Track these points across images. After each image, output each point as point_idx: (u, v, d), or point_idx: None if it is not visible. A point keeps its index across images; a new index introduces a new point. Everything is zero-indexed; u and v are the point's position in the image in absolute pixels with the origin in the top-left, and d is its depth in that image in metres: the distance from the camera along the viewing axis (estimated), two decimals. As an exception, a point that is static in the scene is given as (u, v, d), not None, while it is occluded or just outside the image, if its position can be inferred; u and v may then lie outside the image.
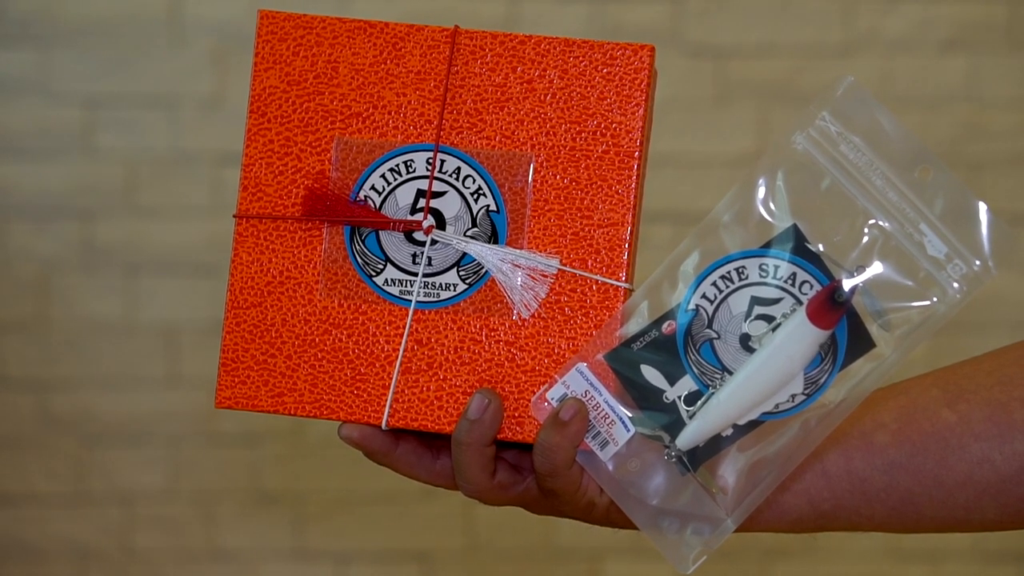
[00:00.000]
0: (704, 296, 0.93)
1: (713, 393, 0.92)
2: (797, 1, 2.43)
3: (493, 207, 0.98)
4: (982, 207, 0.91)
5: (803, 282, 0.92)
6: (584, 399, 0.93)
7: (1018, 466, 0.97)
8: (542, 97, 0.98)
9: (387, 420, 0.98)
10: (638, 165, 0.97)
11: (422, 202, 0.99)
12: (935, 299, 0.91)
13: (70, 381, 2.44)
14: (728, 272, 0.93)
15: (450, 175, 0.99)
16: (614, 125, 0.97)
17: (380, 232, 0.99)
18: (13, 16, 2.42)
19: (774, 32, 2.43)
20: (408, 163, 0.99)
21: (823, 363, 0.92)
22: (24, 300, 2.44)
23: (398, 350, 0.98)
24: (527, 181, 0.98)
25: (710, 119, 2.41)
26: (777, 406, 0.91)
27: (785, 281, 0.92)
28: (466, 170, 0.98)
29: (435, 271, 0.98)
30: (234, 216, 1.01)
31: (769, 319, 0.92)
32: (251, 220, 1.01)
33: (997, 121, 2.43)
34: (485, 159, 0.98)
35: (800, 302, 0.91)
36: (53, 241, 2.43)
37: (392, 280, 0.99)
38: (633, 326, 0.93)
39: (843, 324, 0.91)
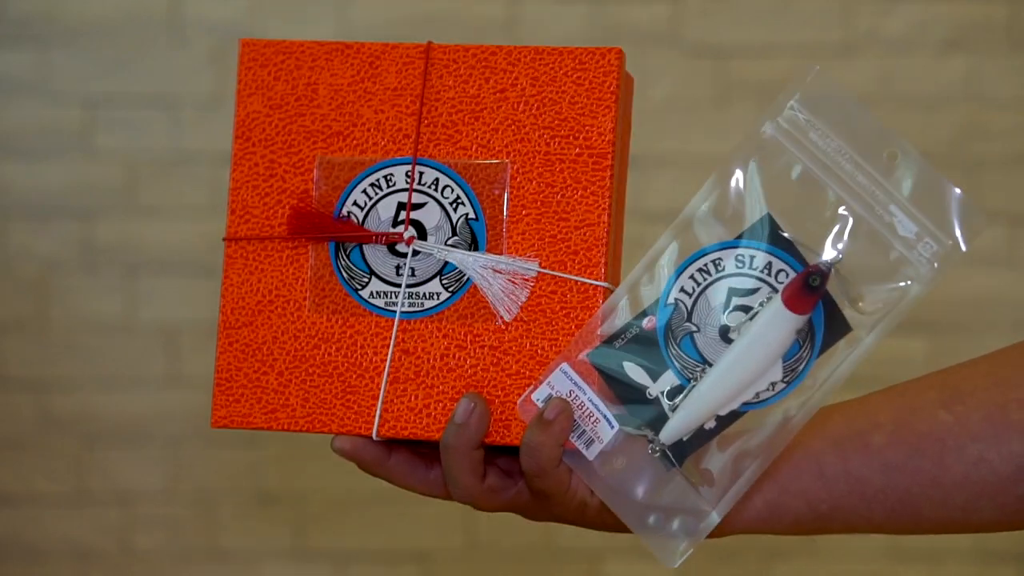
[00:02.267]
0: (683, 290, 0.94)
1: (694, 385, 0.93)
2: (797, 1, 2.43)
3: (472, 215, 1.00)
4: (950, 186, 0.92)
5: (779, 271, 0.93)
6: (568, 399, 0.94)
7: (1015, 467, 0.97)
8: (515, 105, 1.00)
9: (377, 430, 0.99)
10: (611, 166, 0.99)
11: (403, 215, 1.00)
12: (908, 279, 0.92)
13: (70, 381, 2.44)
14: (705, 265, 0.94)
15: (429, 186, 1.00)
16: (586, 128, 0.99)
17: (364, 246, 1.01)
18: (13, 16, 2.42)
19: (774, 32, 2.43)
20: (388, 177, 1.01)
21: (801, 350, 0.93)
22: (24, 300, 2.44)
23: (385, 361, 1.00)
24: (504, 188, 0.99)
25: (710, 119, 2.41)
26: (758, 395, 0.92)
27: (761, 271, 0.93)
28: (444, 180, 1.00)
29: (418, 281, 1.00)
30: (223, 240, 1.04)
31: (747, 309, 0.93)
32: (240, 242, 1.04)
33: (997, 121, 2.43)
34: (462, 169, 1.00)
35: (776, 291, 0.92)
36: (53, 241, 2.43)
37: (377, 292, 1.01)
38: (614, 324, 0.95)
39: (819, 310, 0.92)
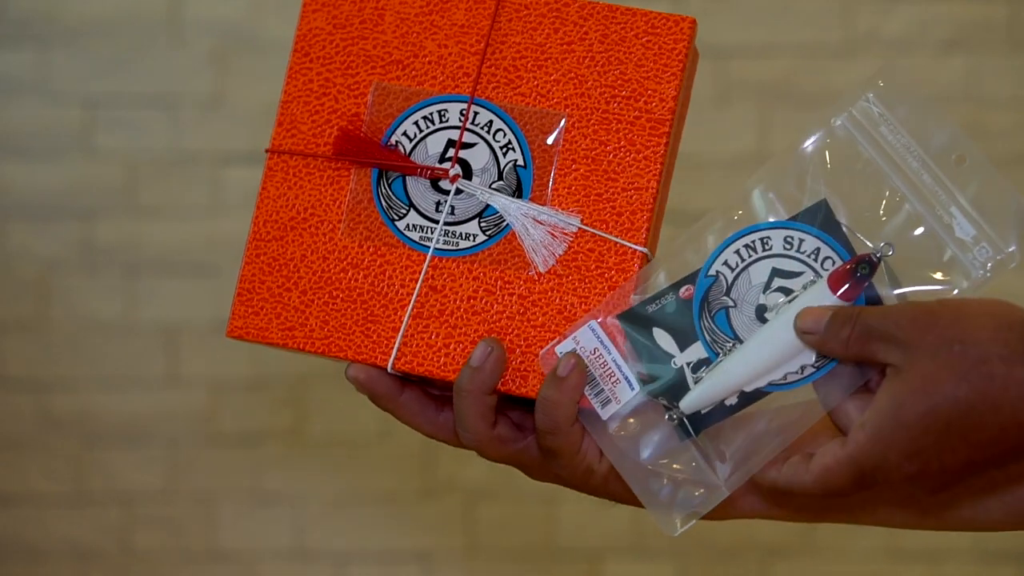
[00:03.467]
0: (726, 263, 0.93)
1: (722, 359, 0.92)
2: (797, 1, 2.43)
3: (520, 162, 0.99)
4: (1016, 195, 0.92)
5: (826, 258, 0.92)
6: (592, 356, 0.94)
7: None
8: (580, 59, 0.99)
9: (393, 362, 0.99)
10: (668, 133, 0.98)
11: (451, 152, 0.99)
12: (958, 282, 0.91)
13: (70, 381, 2.44)
14: (752, 241, 0.93)
15: (482, 127, 0.99)
16: (648, 92, 0.98)
17: (407, 177, 1.00)
18: (13, 16, 2.42)
19: (774, 32, 2.43)
20: (442, 112, 1.00)
21: None
22: (24, 300, 2.44)
23: (411, 294, 0.99)
24: (557, 139, 0.98)
25: (710, 119, 2.41)
26: (786, 377, 0.92)
27: (808, 255, 0.92)
28: (498, 124, 0.99)
29: (457, 220, 0.99)
30: (266, 151, 1.03)
31: (787, 292, 0.92)
32: (282, 155, 1.03)
33: (997, 121, 2.43)
34: (518, 114, 0.99)
35: (820, 277, 0.92)
36: (53, 241, 2.43)
37: (414, 225, 1.00)
38: (649, 288, 0.94)
39: (861, 302, 0.91)
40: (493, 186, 0.99)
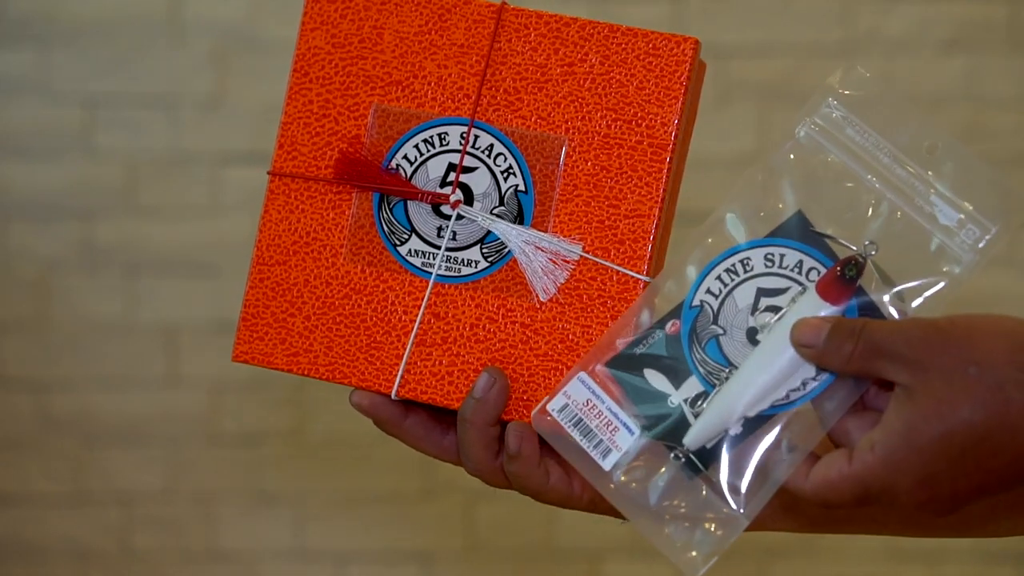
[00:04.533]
0: (708, 291, 0.91)
1: (720, 388, 0.90)
2: (797, 1, 2.43)
3: (522, 187, 0.98)
4: (992, 170, 0.90)
5: (810, 269, 0.90)
6: (586, 408, 0.92)
7: None
8: (581, 81, 0.97)
9: (397, 390, 0.98)
10: (670, 159, 0.96)
11: (452, 176, 0.98)
12: (951, 268, 0.89)
13: (70, 381, 2.44)
14: (733, 265, 0.91)
15: (482, 151, 0.98)
16: (650, 116, 0.97)
17: (408, 202, 0.99)
18: (13, 16, 2.42)
19: (774, 32, 2.43)
20: (442, 135, 0.99)
21: None
22: (24, 300, 2.44)
23: (415, 321, 0.98)
24: (558, 164, 0.97)
25: (710, 119, 2.41)
26: (788, 395, 0.89)
27: (792, 269, 0.90)
28: (499, 148, 0.98)
29: (459, 246, 0.98)
30: (268, 173, 1.02)
31: (776, 310, 0.90)
32: (284, 178, 1.02)
33: (997, 121, 2.43)
34: (519, 138, 0.98)
35: (808, 289, 0.89)
36: (53, 241, 2.43)
37: (416, 251, 0.99)
38: (635, 329, 0.92)
39: (853, 305, 0.89)
40: (495, 211, 0.98)
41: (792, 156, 0.92)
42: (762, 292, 0.91)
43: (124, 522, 2.46)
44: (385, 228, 1.00)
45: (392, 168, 0.99)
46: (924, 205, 0.91)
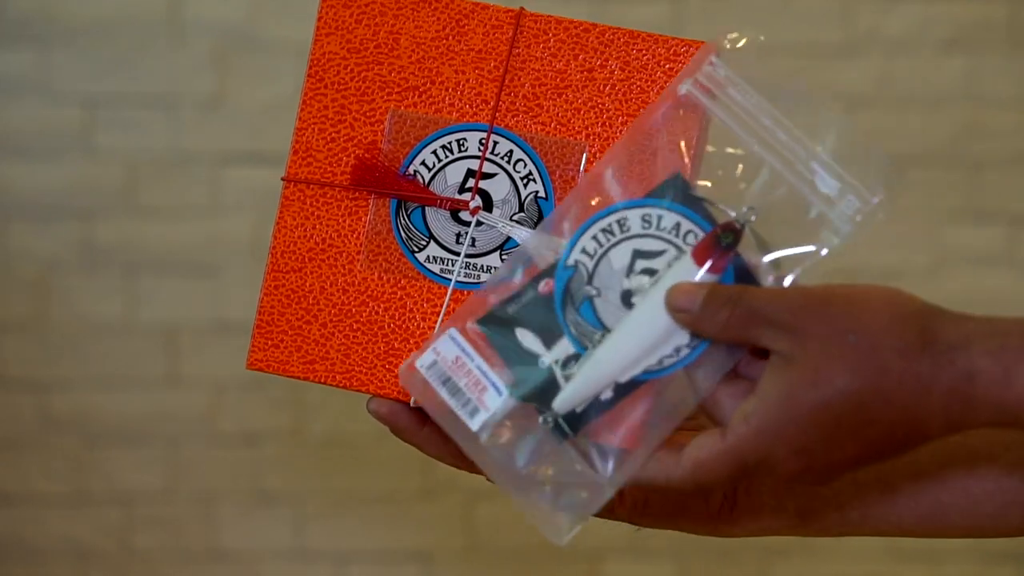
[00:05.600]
0: (584, 251, 0.89)
1: (592, 351, 0.87)
2: (797, 1, 2.43)
3: (542, 193, 0.97)
4: (874, 145, 0.88)
5: (687, 232, 0.88)
6: (454, 365, 0.89)
7: None
8: (601, 87, 0.97)
9: (415, 398, 0.97)
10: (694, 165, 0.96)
11: (471, 182, 0.98)
12: (827, 238, 0.87)
13: (70, 381, 2.44)
14: (609, 225, 0.89)
15: (502, 157, 0.98)
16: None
17: (426, 208, 0.99)
18: (13, 16, 2.42)
19: (774, 32, 2.43)
20: (461, 141, 0.98)
21: None
22: (24, 300, 2.44)
23: (433, 328, 0.98)
24: (578, 170, 0.96)
25: (710, 119, 2.41)
26: (661, 361, 0.87)
27: (669, 232, 0.88)
28: (518, 154, 0.97)
29: (478, 252, 0.98)
30: (282, 179, 1.01)
31: (652, 272, 0.88)
32: (299, 184, 1.01)
33: (997, 121, 2.43)
34: (538, 144, 0.97)
35: (684, 252, 0.87)
36: (53, 241, 2.43)
37: (434, 257, 0.98)
38: (508, 287, 0.90)
39: (729, 272, 0.86)
40: (514, 218, 0.97)
41: (672, 114, 0.90)
42: (638, 254, 0.88)
43: (124, 522, 2.46)
44: (403, 235, 0.99)
45: (410, 174, 0.99)
46: (804, 171, 0.88)
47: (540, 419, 0.88)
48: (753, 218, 0.87)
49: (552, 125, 0.97)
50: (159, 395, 2.45)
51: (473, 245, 0.98)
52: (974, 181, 2.44)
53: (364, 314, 0.99)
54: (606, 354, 0.87)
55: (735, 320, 0.84)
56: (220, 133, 2.43)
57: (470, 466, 0.96)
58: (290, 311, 1.00)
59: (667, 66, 0.96)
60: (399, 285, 0.99)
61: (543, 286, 0.89)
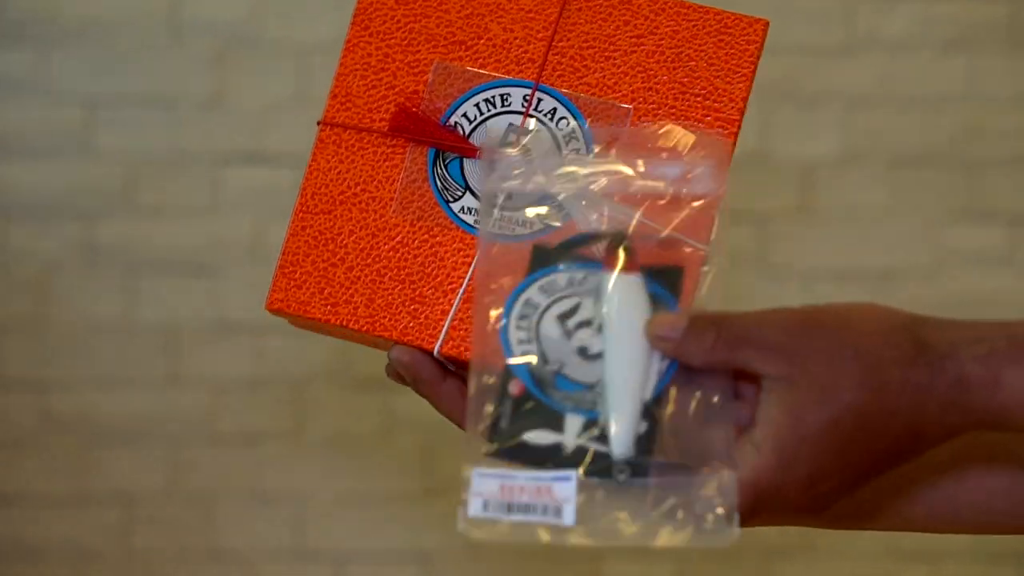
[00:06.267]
0: (520, 342, 0.89)
1: (601, 405, 0.87)
2: (797, 1, 2.43)
3: (584, 152, 0.98)
4: (655, 125, 0.91)
5: (582, 279, 0.89)
6: (506, 492, 0.87)
7: None
8: (650, 53, 0.98)
9: (441, 346, 0.97)
10: (736, 133, 0.97)
11: (512, 137, 0.98)
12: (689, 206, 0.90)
13: (70, 381, 2.44)
14: (521, 311, 0.90)
15: (545, 114, 0.98)
16: (718, 91, 0.97)
17: (464, 160, 0.99)
18: (13, 16, 2.42)
19: (774, 32, 2.42)
20: (504, 96, 0.99)
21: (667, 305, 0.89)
22: (24, 300, 2.44)
23: (463, 278, 0.97)
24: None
25: (710, 119, 2.41)
26: (662, 371, 0.87)
27: (567, 287, 0.90)
28: (562, 112, 0.98)
29: (514, 206, 0.96)
30: (318, 123, 1.01)
31: (586, 324, 0.89)
32: (335, 128, 1.00)
33: (997, 121, 2.43)
34: (583, 104, 0.98)
35: (591, 290, 0.89)
36: (53, 241, 2.43)
37: (469, 208, 0.98)
38: (484, 416, 0.89)
39: (643, 274, 0.88)
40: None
41: (492, 230, 0.92)
42: (562, 317, 0.89)
43: (124, 522, 2.46)
44: (439, 184, 0.99)
45: (450, 125, 0.99)
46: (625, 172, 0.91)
47: (618, 479, 0.87)
48: (603, 223, 0.90)
49: (598, 87, 0.98)
50: (159, 395, 2.45)
51: (509, 198, 0.96)
52: (974, 181, 2.44)
53: (393, 260, 0.98)
54: (616, 391, 0.87)
55: (721, 344, 0.84)
56: (220, 133, 2.43)
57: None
58: (316, 252, 0.99)
59: (718, 37, 0.98)
60: (431, 233, 0.98)
61: (514, 389, 0.89)
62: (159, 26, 2.43)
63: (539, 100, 0.98)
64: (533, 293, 0.90)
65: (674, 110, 0.97)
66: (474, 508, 0.87)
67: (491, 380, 0.89)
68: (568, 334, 0.89)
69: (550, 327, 0.89)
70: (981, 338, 0.83)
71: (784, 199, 2.44)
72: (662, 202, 0.92)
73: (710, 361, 0.85)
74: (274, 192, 2.40)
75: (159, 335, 2.44)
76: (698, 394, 0.87)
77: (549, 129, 0.98)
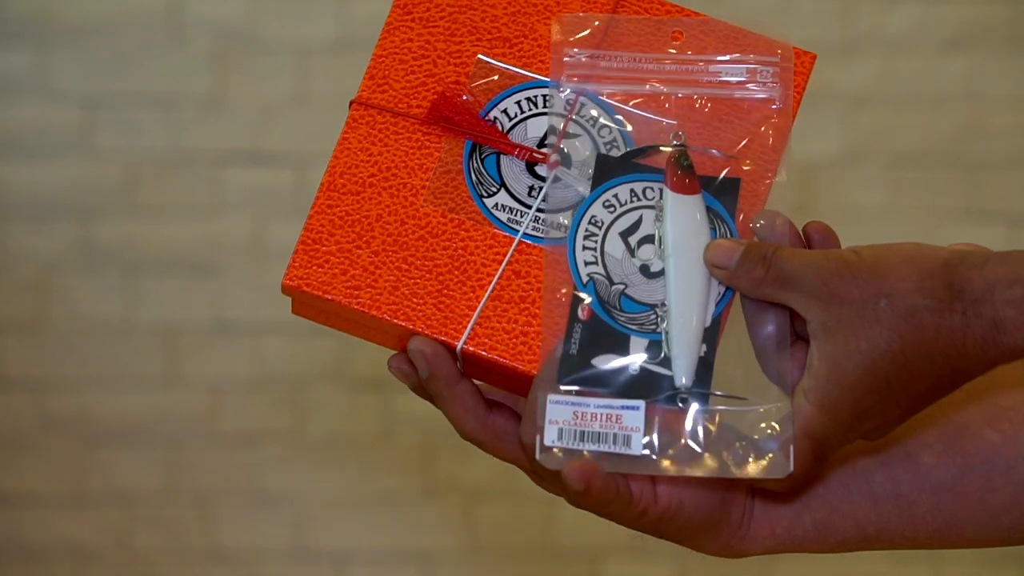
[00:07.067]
0: (587, 263, 0.92)
1: (666, 325, 0.90)
2: (797, 1, 2.43)
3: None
4: (756, 25, 0.94)
5: (645, 189, 0.92)
6: (579, 420, 0.89)
7: None
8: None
9: (465, 341, 0.95)
10: (777, 160, 0.97)
11: (552, 139, 0.97)
12: (761, 114, 0.93)
13: (70, 381, 2.44)
14: (587, 229, 0.92)
15: (587, 120, 0.98)
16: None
17: (501, 156, 0.98)
18: (13, 16, 2.42)
19: (774, 32, 2.43)
20: (547, 97, 0.98)
21: (719, 227, 0.92)
22: (24, 300, 2.44)
23: (493, 275, 0.96)
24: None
25: (710, 119, 2.41)
26: (720, 294, 0.90)
27: (631, 201, 0.92)
28: (604, 120, 0.97)
29: (549, 208, 0.96)
30: (351, 102, 0.99)
31: (650, 238, 0.91)
32: (369, 109, 0.99)
33: (997, 121, 2.43)
34: (627, 115, 0.97)
35: (654, 207, 0.92)
36: (53, 241, 2.43)
37: (503, 206, 0.97)
38: (558, 335, 0.91)
39: (703, 185, 0.92)
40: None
41: (568, 112, 0.95)
42: (625, 234, 0.92)
43: (124, 522, 2.46)
44: (474, 178, 0.97)
45: (490, 120, 0.98)
46: (709, 78, 0.94)
47: (679, 405, 0.89)
48: (682, 133, 0.93)
49: (643, 99, 0.98)
50: (159, 395, 2.45)
51: (545, 200, 0.96)
52: (974, 181, 2.44)
53: (421, 249, 0.97)
54: (679, 314, 0.90)
55: (769, 280, 0.87)
56: (220, 133, 2.43)
57: (491, 440, 0.94)
58: (340, 232, 0.97)
59: (763, 65, 0.98)
60: (462, 227, 0.97)
61: (582, 312, 0.91)
62: (159, 26, 2.43)
63: (582, 105, 0.97)
64: (597, 210, 0.92)
65: (718, 131, 0.96)
66: (550, 436, 0.89)
67: (563, 300, 0.91)
68: (629, 253, 0.91)
69: (613, 246, 0.91)
70: (1017, 279, 0.84)
71: (784, 199, 2.44)
72: (724, 109, 0.94)
73: (758, 293, 0.88)
74: (274, 192, 2.40)
75: (158, 335, 2.44)
76: (756, 323, 0.89)
77: (591, 136, 0.97)
